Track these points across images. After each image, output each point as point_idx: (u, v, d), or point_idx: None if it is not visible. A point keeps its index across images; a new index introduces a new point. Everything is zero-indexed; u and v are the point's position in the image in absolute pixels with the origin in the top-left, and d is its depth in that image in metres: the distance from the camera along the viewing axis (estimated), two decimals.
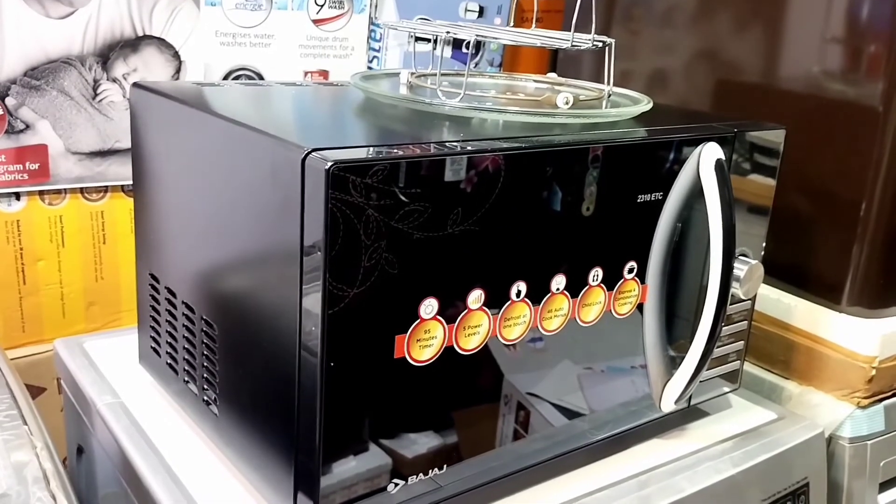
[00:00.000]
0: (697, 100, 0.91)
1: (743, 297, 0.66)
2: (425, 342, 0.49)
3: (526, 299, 0.53)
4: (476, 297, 0.51)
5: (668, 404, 0.65)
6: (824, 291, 0.79)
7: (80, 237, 0.93)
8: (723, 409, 0.73)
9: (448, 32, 0.58)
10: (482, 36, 0.58)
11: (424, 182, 0.46)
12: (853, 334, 0.76)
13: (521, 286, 0.53)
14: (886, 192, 0.75)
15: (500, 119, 0.57)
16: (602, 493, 0.60)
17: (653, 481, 0.61)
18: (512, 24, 1.11)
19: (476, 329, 0.51)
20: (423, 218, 0.47)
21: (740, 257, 0.66)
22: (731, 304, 0.67)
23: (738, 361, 0.71)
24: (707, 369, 0.68)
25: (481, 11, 1.09)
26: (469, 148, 0.49)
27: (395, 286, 0.47)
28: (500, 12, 1.11)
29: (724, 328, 0.68)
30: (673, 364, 0.64)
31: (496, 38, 0.60)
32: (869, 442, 0.76)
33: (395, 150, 0.46)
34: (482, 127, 0.56)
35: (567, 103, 0.59)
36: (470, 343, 0.52)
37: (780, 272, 0.81)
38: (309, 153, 0.44)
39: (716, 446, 0.67)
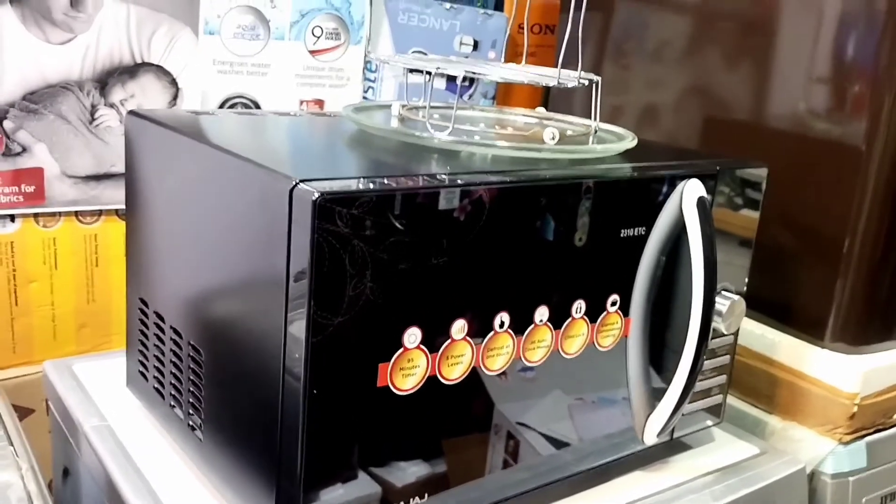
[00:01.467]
0: (687, 135, 0.93)
1: (725, 332, 0.67)
2: (408, 371, 0.50)
3: (509, 330, 0.54)
4: (459, 328, 0.52)
5: (650, 437, 0.66)
6: (808, 327, 0.80)
7: (73, 259, 0.94)
8: (705, 442, 0.74)
9: (438, 69, 0.59)
10: (471, 72, 0.59)
11: (410, 214, 0.47)
12: (835, 370, 0.77)
13: (505, 317, 0.54)
14: (869, 230, 0.76)
15: (488, 153, 0.58)
16: None
17: None
18: (504, 58, 1.13)
19: (459, 359, 0.52)
20: (407, 249, 0.48)
21: (723, 292, 0.67)
22: (713, 339, 0.68)
23: (721, 395, 0.72)
24: (689, 403, 0.68)
25: (476, 45, 1.11)
26: (455, 181, 0.50)
27: (380, 315, 0.48)
28: (495, 46, 1.12)
29: (706, 362, 0.69)
30: (656, 397, 0.65)
31: (485, 75, 0.61)
32: (851, 478, 0.77)
33: (383, 182, 0.47)
34: (470, 160, 0.58)
35: (553, 138, 0.60)
36: (453, 373, 0.52)
37: (765, 307, 0.82)
38: (297, 184, 0.45)
39: (697, 480, 0.68)
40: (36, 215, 0.91)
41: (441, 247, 0.49)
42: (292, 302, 0.46)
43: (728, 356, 0.71)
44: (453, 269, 0.50)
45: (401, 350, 0.49)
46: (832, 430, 0.77)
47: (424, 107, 0.67)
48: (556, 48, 1.13)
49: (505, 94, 1.17)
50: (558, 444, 0.61)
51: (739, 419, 0.81)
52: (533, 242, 0.54)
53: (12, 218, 0.90)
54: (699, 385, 0.69)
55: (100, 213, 0.94)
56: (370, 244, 0.46)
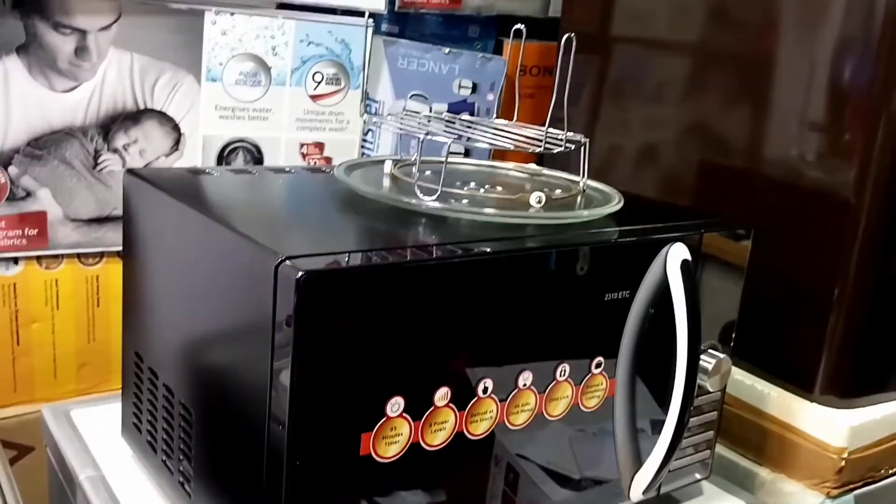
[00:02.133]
0: (683, 176, 0.93)
1: (711, 390, 0.68)
2: (391, 439, 0.51)
3: (493, 395, 0.55)
4: (442, 395, 0.53)
5: (636, 493, 0.67)
6: (797, 379, 0.81)
7: (75, 300, 0.96)
8: (694, 496, 0.75)
9: (427, 134, 0.60)
10: (459, 137, 0.61)
11: (392, 287, 0.48)
12: (824, 424, 0.77)
13: (488, 383, 0.55)
14: (857, 282, 0.77)
15: (476, 219, 0.60)
16: None
17: None
18: (501, 101, 1.14)
19: (442, 425, 0.53)
20: (390, 321, 0.49)
21: (709, 350, 0.68)
22: (700, 396, 0.69)
23: (709, 450, 0.73)
24: (677, 459, 0.69)
25: (475, 88, 1.13)
26: (439, 253, 0.51)
27: (362, 386, 0.49)
28: (493, 88, 1.14)
29: (694, 419, 0.70)
30: (642, 454, 0.66)
31: (471, 141, 0.62)
32: None
33: (367, 257, 0.49)
34: (457, 225, 0.59)
35: (539, 202, 0.61)
36: (436, 439, 0.53)
37: (755, 358, 0.83)
38: (282, 261, 0.46)
39: None
40: (39, 258, 0.92)
41: (423, 316, 0.50)
42: (276, 372, 0.47)
43: (715, 412, 0.72)
44: (436, 338, 0.51)
45: (384, 419, 0.50)
46: (820, 483, 0.77)
47: (416, 163, 0.68)
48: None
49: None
50: (546, 500, 0.62)
51: (730, 470, 0.82)
52: (517, 309, 0.55)
53: (16, 260, 0.91)
54: (686, 441, 0.70)
55: (102, 254, 0.96)
56: (353, 318, 0.47)
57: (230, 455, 0.54)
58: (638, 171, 1.01)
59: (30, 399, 0.95)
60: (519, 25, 0.72)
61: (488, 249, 0.53)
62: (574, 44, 0.63)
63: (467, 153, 1.09)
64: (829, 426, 0.77)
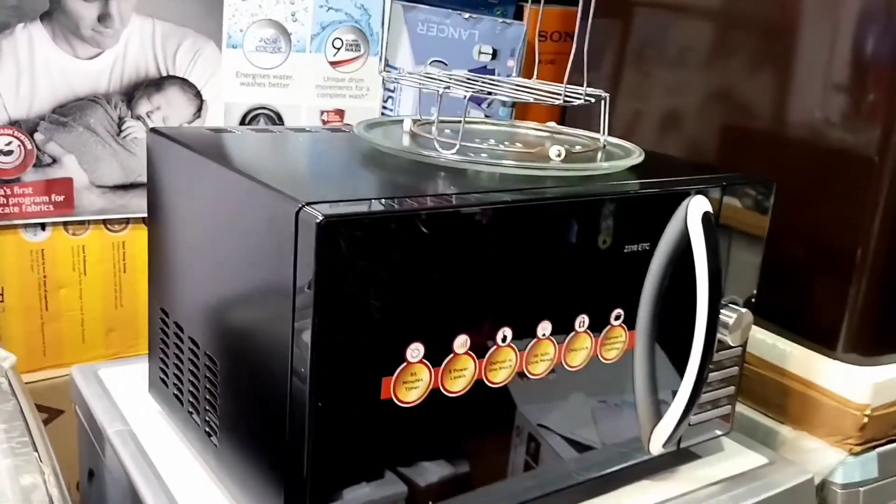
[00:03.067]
0: (705, 140, 0.93)
1: (732, 344, 0.68)
2: (411, 384, 0.52)
3: (511, 344, 0.56)
4: (462, 342, 0.53)
5: (656, 447, 0.67)
6: (819, 338, 0.80)
7: (102, 266, 0.97)
8: (714, 451, 0.75)
9: (447, 88, 0.61)
10: (478, 92, 0.61)
11: (411, 234, 0.49)
12: (847, 382, 0.77)
13: (507, 332, 0.55)
14: (881, 240, 0.77)
15: (494, 171, 0.60)
16: None
17: None
18: (522, 66, 1.14)
19: (462, 372, 0.54)
20: (409, 267, 0.49)
21: (730, 305, 0.68)
22: (721, 351, 0.69)
23: (730, 406, 0.73)
24: (696, 413, 0.69)
25: (495, 54, 1.12)
26: (457, 202, 0.51)
27: (382, 331, 0.50)
28: (514, 54, 1.14)
29: (714, 374, 0.70)
30: (661, 408, 0.66)
31: (491, 95, 0.63)
32: (861, 489, 0.77)
33: (386, 204, 0.49)
34: (476, 178, 0.59)
35: (559, 156, 0.61)
36: (456, 385, 0.54)
37: (777, 317, 0.83)
38: (303, 207, 0.47)
39: (704, 489, 0.69)
40: (65, 224, 0.94)
41: (443, 264, 0.51)
42: (298, 319, 0.48)
43: (736, 367, 0.72)
44: (455, 285, 0.52)
45: (404, 364, 0.51)
46: (843, 440, 0.77)
47: (434, 122, 0.68)
48: (573, 57, 1.13)
49: (524, 105, 1.18)
50: (565, 452, 0.62)
51: (751, 428, 0.82)
52: (535, 259, 0.56)
53: (43, 226, 0.93)
54: (707, 396, 0.70)
55: (127, 221, 0.97)
56: (373, 263, 0.48)
57: (255, 403, 0.55)
58: (660, 135, 1.00)
59: (58, 363, 0.96)
60: None
61: (508, 199, 0.53)
62: (594, 1, 0.63)
63: (488, 118, 1.09)
64: (851, 383, 0.77)
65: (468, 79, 0.68)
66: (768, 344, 0.83)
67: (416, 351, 0.51)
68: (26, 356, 0.95)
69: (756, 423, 0.83)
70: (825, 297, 0.80)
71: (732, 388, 0.72)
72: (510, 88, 0.65)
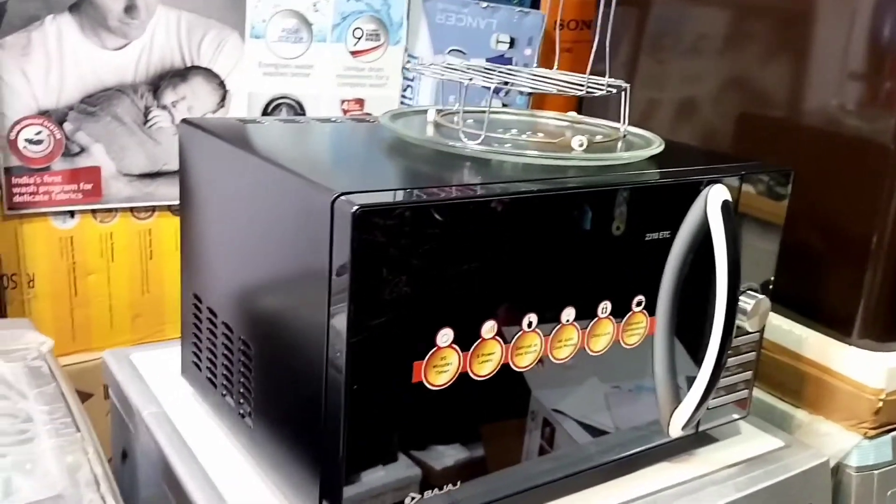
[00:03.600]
0: (722, 129, 0.94)
1: (750, 330, 0.70)
2: (441, 368, 0.53)
3: (537, 330, 0.57)
4: (489, 328, 0.55)
5: (675, 430, 0.69)
6: (835, 324, 0.82)
7: (129, 253, 0.99)
8: (732, 435, 0.76)
9: (471, 80, 0.62)
10: (501, 83, 0.62)
11: (441, 223, 0.51)
12: (862, 367, 0.79)
13: (532, 317, 0.57)
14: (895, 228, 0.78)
15: (519, 161, 0.61)
16: None
17: (658, 503, 0.65)
18: (540, 54, 1.15)
19: (489, 357, 0.56)
20: (440, 255, 0.51)
21: (748, 292, 0.70)
22: (739, 337, 0.71)
23: (747, 390, 0.75)
24: (715, 398, 0.71)
25: (512, 42, 1.14)
26: (484, 191, 0.53)
27: (414, 317, 0.51)
28: (531, 44, 1.15)
29: (732, 359, 0.71)
30: (681, 392, 0.68)
31: (514, 86, 0.64)
32: (876, 471, 0.79)
33: (417, 194, 0.51)
34: (501, 168, 0.61)
35: (581, 146, 0.63)
36: (483, 369, 0.56)
37: (794, 304, 0.84)
38: (338, 197, 0.48)
39: (721, 471, 0.70)
40: (94, 211, 0.96)
41: (472, 252, 0.53)
42: (334, 304, 0.50)
43: (753, 353, 0.73)
44: (483, 273, 0.54)
45: (434, 349, 0.53)
46: (857, 424, 0.79)
47: (459, 112, 0.70)
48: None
49: (541, 95, 1.19)
50: (588, 435, 0.64)
51: (768, 413, 0.84)
52: (559, 247, 0.57)
53: (72, 214, 0.95)
54: (725, 381, 0.71)
55: (153, 209, 0.99)
56: (405, 252, 0.50)
57: (290, 385, 0.57)
58: (677, 123, 1.01)
59: (87, 348, 0.99)
60: None
61: (534, 188, 0.55)
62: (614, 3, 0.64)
63: (505, 107, 1.11)
64: (866, 368, 0.78)
65: (490, 69, 0.69)
66: (785, 330, 0.84)
67: (445, 336, 0.53)
68: (56, 341, 0.95)
69: (773, 408, 0.84)
70: (841, 284, 0.81)
71: (750, 372, 0.74)
72: (532, 79, 0.67)
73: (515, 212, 0.54)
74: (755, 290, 0.70)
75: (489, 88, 0.62)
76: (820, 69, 0.83)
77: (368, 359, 0.50)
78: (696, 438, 0.74)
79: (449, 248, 0.51)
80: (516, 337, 0.57)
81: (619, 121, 0.71)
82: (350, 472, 0.52)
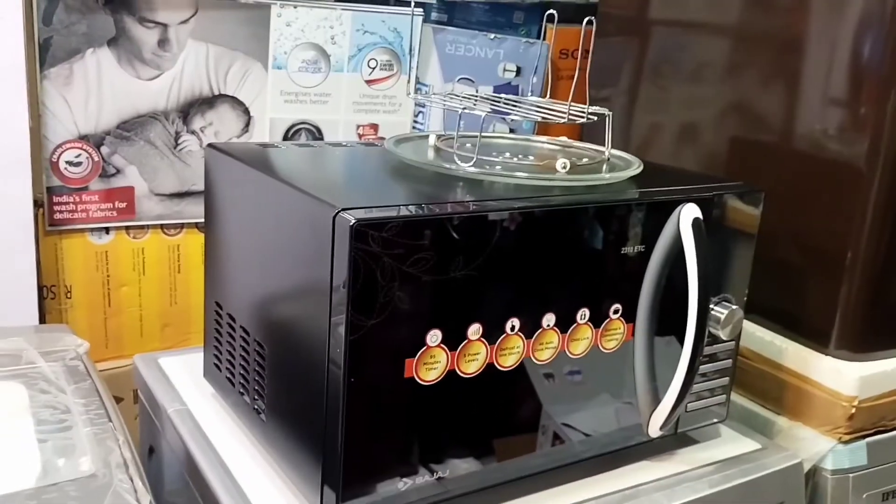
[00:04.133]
0: (720, 153, 0.99)
1: (724, 339, 0.75)
2: (431, 365, 0.60)
3: (519, 333, 0.64)
4: (475, 330, 0.61)
5: (654, 430, 0.74)
6: (814, 335, 0.87)
7: (159, 267, 1.07)
8: (711, 438, 0.82)
9: (465, 109, 0.69)
10: (493, 112, 0.69)
11: (431, 236, 0.57)
12: (837, 376, 0.84)
13: (515, 322, 0.63)
14: (869, 246, 0.83)
15: (508, 182, 0.68)
16: (589, 503, 0.69)
17: (634, 496, 0.71)
18: (546, 82, 1.22)
19: (475, 356, 0.62)
20: (429, 264, 0.58)
21: (723, 302, 0.75)
22: (715, 344, 0.76)
23: (724, 395, 0.80)
24: (693, 401, 0.77)
25: (518, 71, 1.21)
26: (471, 208, 0.60)
27: (406, 319, 0.58)
28: (537, 72, 1.22)
29: (709, 365, 0.77)
30: (659, 395, 0.73)
31: (501, 114, 0.71)
32: (851, 475, 0.84)
33: (409, 210, 0.58)
34: (491, 188, 0.67)
35: (564, 167, 0.70)
36: (470, 367, 0.62)
37: (775, 317, 0.90)
38: (339, 212, 0.55)
39: (697, 470, 0.76)
40: (127, 228, 1.04)
41: (459, 262, 0.59)
42: (335, 307, 0.56)
43: (730, 360, 0.79)
44: (470, 280, 0.60)
45: (424, 348, 0.59)
46: (833, 430, 0.84)
47: (455, 136, 0.77)
48: (589, 75, 1.20)
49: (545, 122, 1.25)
50: (571, 432, 0.70)
51: (750, 419, 0.89)
52: (541, 258, 0.64)
53: (107, 230, 1.03)
54: (702, 385, 0.77)
55: (182, 226, 1.07)
56: (398, 261, 0.56)
57: (298, 382, 0.64)
58: (676, 147, 1.07)
59: (119, 355, 1.07)
60: (551, 11, 0.80)
61: (515, 206, 0.62)
62: (594, 26, 0.71)
63: (513, 132, 1.17)
64: (841, 376, 0.83)
65: (485, 99, 0.76)
66: (766, 341, 0.90)
67: (434, 336, 0.60)
68: (91, 347, 1.04)
69: (755, 414, 0.89)
70: (819, 298, 0.87)
71: (727, 378, 0.79)
72: (522, 108, 0.74)
73: (500, 226, 0.61)
74: (730, 301, 0.76)
75: (481, 116, 0.69)
76: (807, 95, 0.89)
77: (364, 355, 0.57)
78: (677, 440, 0.79)
79: (437, 257, 0.58)
80: (500, 339, 0.63)
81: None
82: (347, 458, 0.59)
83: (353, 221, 0.54)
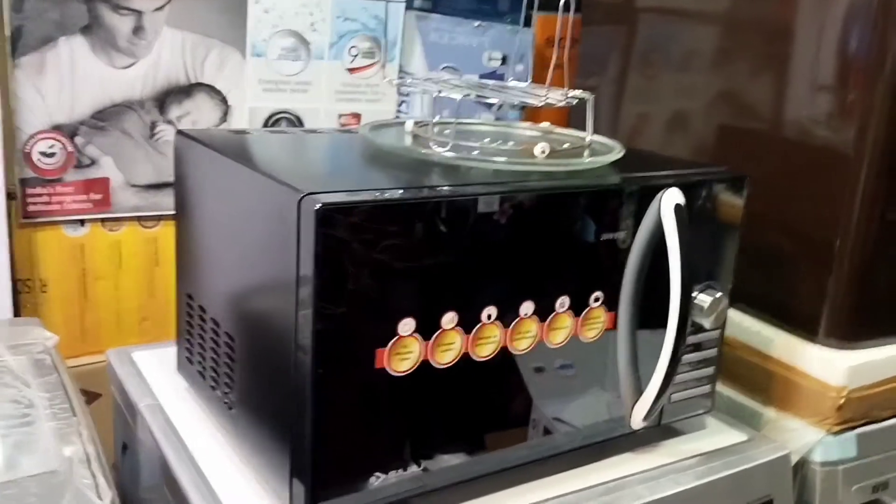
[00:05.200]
0: (709, 141, 0.98)
1: (708, 327, 0.73)
2: (403, 356, 0.58)
3: (496, 322, 0.62)
4: (449, 319, 0.59)
5: (636, 422, 0.73)
6: (802, 324, 0.85)
7: (136, 260, 1.05)
8: (697, 429, 0.80)
9: (440, 92, 0.67)
10: (468, 96, 0.67)
11: (401, 221, 0.55)
12: (825, 365, 0.82)
13: (492, 310, 0.61)
14: (858, 233, 0.82)
15: (486, 167, 0.66)
16: (570, 496, 0.67)
17: (617, 489, 0.69)
18: (533, 71, 1.20)
19: (450, 346, 0.60)
20: (400, 251, 0.56)
21: (707, 290, 0.73)
22: (699, 333, 0.74)
23: (710, 385, 0.78)
24: (677, 392, 0.75)
25: (504, 60, 1.19)
26: (441, 193, 0.58)
27: (376, 307, 0.56)
28: (523, 60, 1.20)
29: (693, 355, 0.75)
30: (641, 386, 0.72)
31: (479, 97, 0.69)
32: (840, 467, 0.82)
33: (377, 194, 0.56)
34: (469, 173, 0.65)
35: (543, 152, 0.68)
36: (445, 358, 0.60)
37: (762, 305, 0.88)
38: (304, 196, 0.53)
39: (683, 461, 0.74)
40: (103, 220, 1.02)
41: (431, 249, 0.57)
42: (301, 296, 0.54)
43: (715, 349, 0.77)
44: (443, 267, 0.58)
45: (396, 337, 0.57)
46: (821, 420, 0.82)
47: (438, 123, 0.75)
48: (580, 61, 1.19)
49: (534, 108, 1.24)
50: (554, 424, 0.68)
51: (738, 410, 0.87)
52: (517, 245, 0.62)
53: (82, 222, 1.01)
54: (687, 375, 0.75)
55: (159, 217, 1.05)
56: (367, 246, 0.54)
57: (267, 375, 0.62)
58: (666, 135, 1.06)
59: (97, 349, 1.04)
60: None
61: (486, 190, 0.60)
62: (572, 8, 0.69)
63: (499, 121, 1.15)
64: (829, 366, 0.82)
65: (463, 84, 0.74)
66: (754, 331, 0.88)
67: (407, 325, 0.58)
68: (67, 342, 1.02)
69: (742, 406, 0.88)
70: (807, 286, 0.85)
71: (712, 368, 0.78)
72: (499, 92, 0.72)
73: (474, 211, 0.59)
74: (714, 289, 0.74)
75: (456, 100, 0.67)
76: (795, 82, 0.87)
77: (333, 345, 0.55)
78: (662, 431, 0.77)
79: (409, 243, 0.56)
80: (476, 328, 0.61)
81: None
82: (317, 452, 0.57)
83: (319, 206, 0.52)
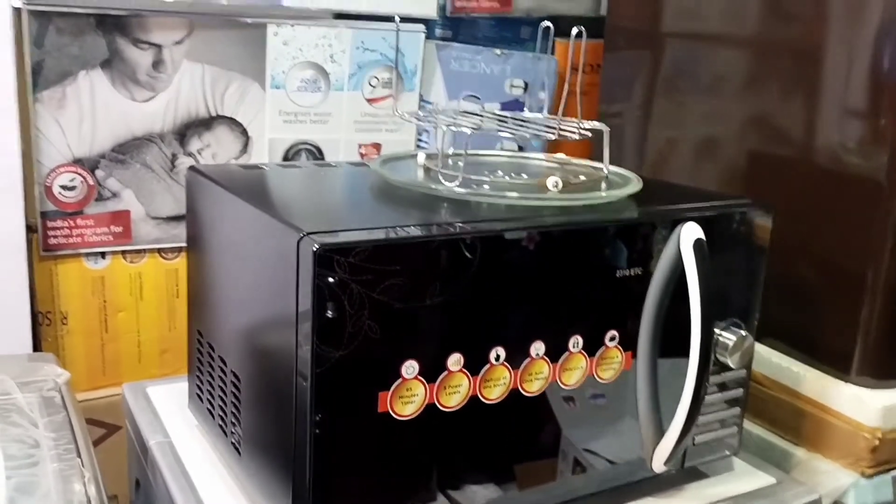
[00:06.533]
0: (739, 167, 0.95)
1: (733, 367, 0.70)
2: (407, 399, 0.56)
3: (505, 363, 0.60)
4: (455, 360, 0.58)
5: (658, 465, 0.70)
6: (833, 361, 0.82)
7: (157, 292, 1.05)
8: (723, 472, 0.77)
9: (448, 126, 0.66)
10: (476, 128, 0.66)
11: (402, 260, 0.54)
12: (858, 404, 0.78)
13: (500, 351, 0.59)
14: (892, 265, 0.78)
15: (496, 202, 0.64)
16: None
17: None
18: (555, 98, 1.18)
19: (457, 388, 0.58)
20: (402, 291, 0.54)
21: (731, 327, 0.70)
22: (724, 373, 0.71)
23: (736, 427, 0.75)
24: (701, 433, 0.72)
25: (526, 87, 1.17)
26: (448, 231, 0.56)
27: (378, 349, 0.54)
28: (545, 87, 1.18)
29: (718, 395, 0.72)
30: (663, 427, 0.69)
31: (490, 130, 0.67)
32: None
33: (379, 233, 0.54)
34: (479, 209, 0.64)
35: (556, 186, 0.66)
36: (451, 401, 0.58)
37: (791, 340, 0.85)
38: (304, 236, 0.52)
39: None
40: (124, 252, 1.02)
41: (435, 288, 0.56)
42: (300, 337, 0.53)
43: (741, 389, 0.74)
44: (448, 307, 0.56)
45: (399, 380, 0.56)
46: (855, 462, 0.78)
47: (450, 155, 0.74)
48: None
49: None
50: (568, 467, 0.66)
51: (767, 449, 0.84)
52: (527, 283, 0.60)
53: (103, 255, 1.01)
54: (711, 416, 0.72)
55: (180, 249, 1.05)
56: (367, 287, 0.53)
57: (271, 417, 0.60)
58: (694, 162, 1.03)
59: (117, 382, 1.04)
60: (546, 23, 0.77)
61: (496, 228, 0.58)
62: (584, 37, 0.67)
63: (521, 150, 1.14)
64: (862, 405, 0.78)
65: (474, 115, 0.73)
66: (783, 367, 0.84)
67: (410, 368, 0.56)
68: (87, 375, 1.03)
69: (771, 445, 0.84)
70: (838, 320, 0.82)
71: (738, 409, 0.74)
72: (509, 125, 0.70)
73: (479, 249, 0.57)
74: (738, 327, 0.71)
75: (467, 133, 0.65)
76: (826, 106, 0.85)
77: (333, 389, 0.53)
78: (686, 474, 0.74)
79: (411, 283, 0.54)
80: (484, 370, 0.59)
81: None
82: (317, 498, 0.55)
83: (317, 247, 0.51)
